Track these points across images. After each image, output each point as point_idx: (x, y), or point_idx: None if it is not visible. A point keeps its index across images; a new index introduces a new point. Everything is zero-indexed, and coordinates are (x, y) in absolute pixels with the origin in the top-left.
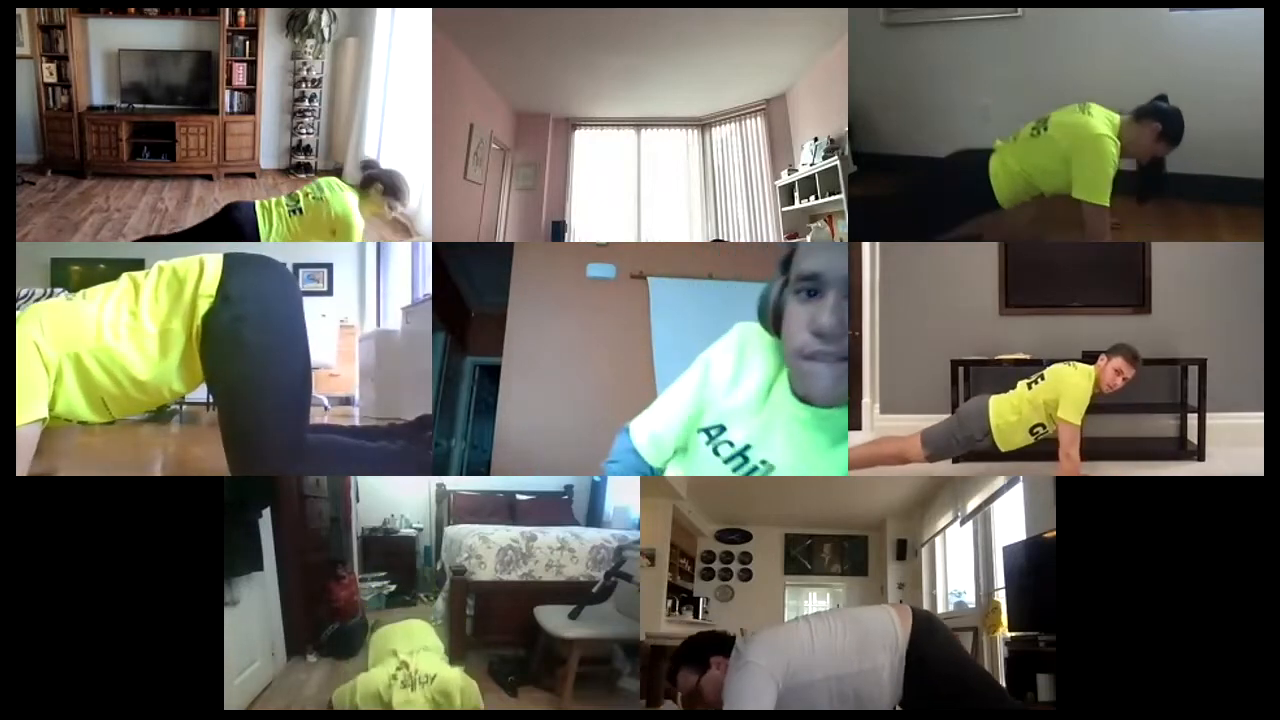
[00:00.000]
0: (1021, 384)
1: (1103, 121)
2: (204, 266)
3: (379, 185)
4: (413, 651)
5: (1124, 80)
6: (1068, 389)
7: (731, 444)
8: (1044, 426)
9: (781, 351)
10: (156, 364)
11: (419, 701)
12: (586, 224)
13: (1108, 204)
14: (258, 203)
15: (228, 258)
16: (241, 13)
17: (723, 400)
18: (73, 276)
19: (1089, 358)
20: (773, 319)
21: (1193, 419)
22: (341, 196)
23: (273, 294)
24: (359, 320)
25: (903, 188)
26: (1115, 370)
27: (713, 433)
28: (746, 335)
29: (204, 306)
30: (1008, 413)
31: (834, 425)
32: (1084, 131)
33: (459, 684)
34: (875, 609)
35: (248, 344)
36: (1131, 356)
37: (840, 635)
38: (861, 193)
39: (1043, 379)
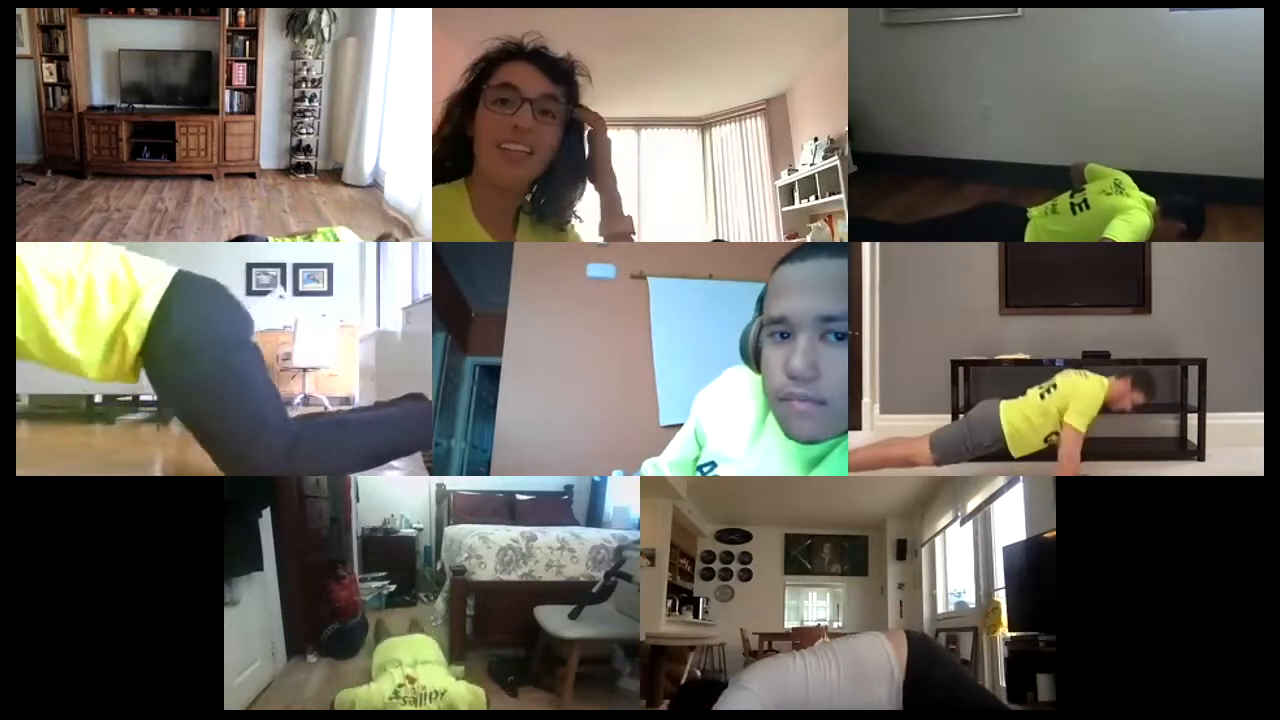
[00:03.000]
0: (1033, 391)
1: (1139, 199)
2: (148, 287)
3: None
4: (416, 663)
5: (1124, 81)
6: (1078, 397)
7: (719, 476)
8: (1058, 434)
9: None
10: (84, 351)
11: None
12: (587, 224)
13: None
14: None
15: (176, 278)
16: (241, 13)
17: (712, 442)
18: None
19: (1089, 357)
20: (754, 358)
21: (1193, 419)
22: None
23: (215, 320)
24: (359, 320)
25: (925, 232)
26: (1132, 401)
27: (704, 469)
28: (734, 380)
29: (141, 327)
30: (1019, 420)
31: (826, 461)
32: (1122, 208)
33: (467, 699)
34: (870, 639)
35: (187, 372)
36: (1150, 391)
37: (835, 672)
38: (870, 211)
39: (1055, 388)
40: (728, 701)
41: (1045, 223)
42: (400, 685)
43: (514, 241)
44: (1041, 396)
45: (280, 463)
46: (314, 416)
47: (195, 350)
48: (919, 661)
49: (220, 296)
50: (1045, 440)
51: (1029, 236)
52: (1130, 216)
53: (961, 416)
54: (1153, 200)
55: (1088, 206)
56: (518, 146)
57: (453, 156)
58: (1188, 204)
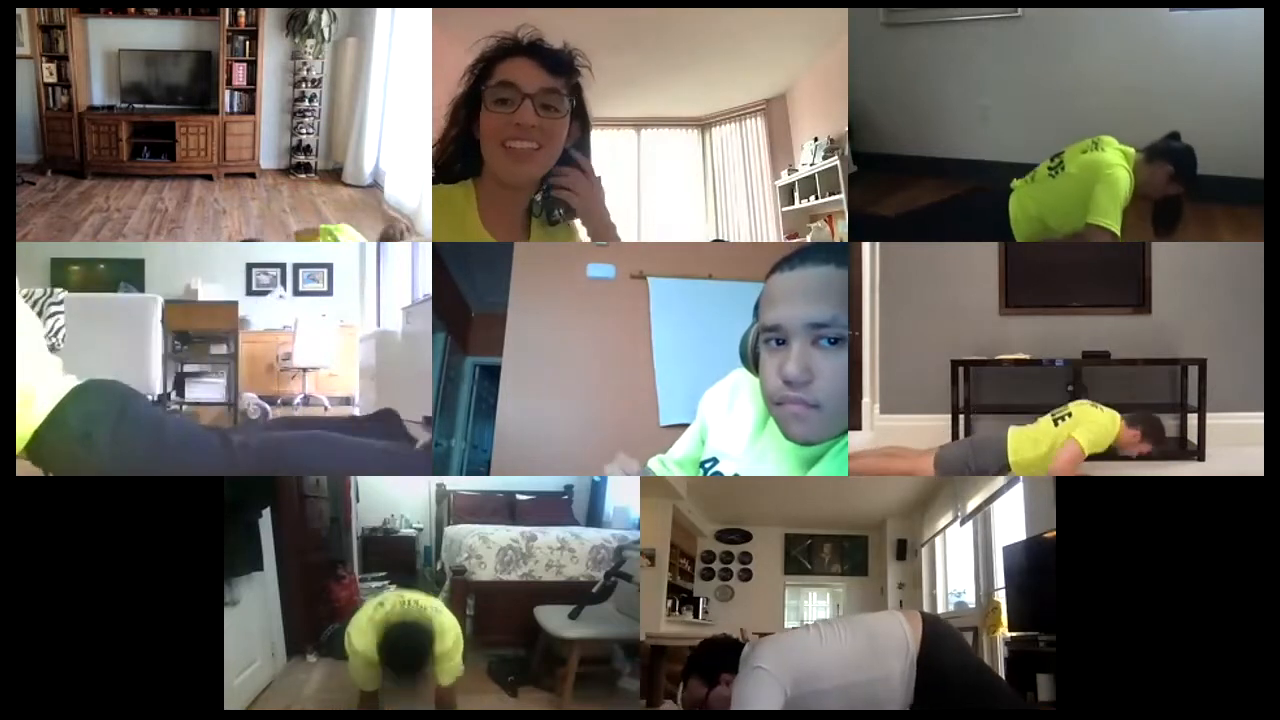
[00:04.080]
0: (1045, 419)
1: (1116, 154)
2: (32, 400)
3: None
4: (409, 594)
5: (1124, 80)
6: (1090, 425)
7: (721, 473)
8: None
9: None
10: None
11: (411, 614)
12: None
13: (1118, 231)
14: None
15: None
16: (241, 13)
17: (714, 439)
18: (72, 276)
19: (1089, 357)
20: (752, 362)
21: (1193, 419)
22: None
23: (113, 413)
24: (359, 320)
25: (915, 221)
26: (1139, 450)
27: (706, 465)
28: (739, 380)
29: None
30: (1027, 448)
31: (824, 461)
32: (1099, 167)
33: (455, 631)
34: (884, 615)
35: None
36: (1158, 440)
37: (850, 643)
38: (867, 208)
39: (1070, 415)
40: (745, 685)
41: (1027, 191)
42: (383, 600)
43: (517, 242)
44: (1055, 423)
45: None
46: (313, 426)
47: (94, 445)
48: (933, 639)
49: (113, 390)
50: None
51: (1012, 208)
52: (1110, 178)
53: (967, 438)
54: (1132, 150)
55: (1064, 168)
56: (524, 144)
57: (461, 159)
58: (1175, 146)
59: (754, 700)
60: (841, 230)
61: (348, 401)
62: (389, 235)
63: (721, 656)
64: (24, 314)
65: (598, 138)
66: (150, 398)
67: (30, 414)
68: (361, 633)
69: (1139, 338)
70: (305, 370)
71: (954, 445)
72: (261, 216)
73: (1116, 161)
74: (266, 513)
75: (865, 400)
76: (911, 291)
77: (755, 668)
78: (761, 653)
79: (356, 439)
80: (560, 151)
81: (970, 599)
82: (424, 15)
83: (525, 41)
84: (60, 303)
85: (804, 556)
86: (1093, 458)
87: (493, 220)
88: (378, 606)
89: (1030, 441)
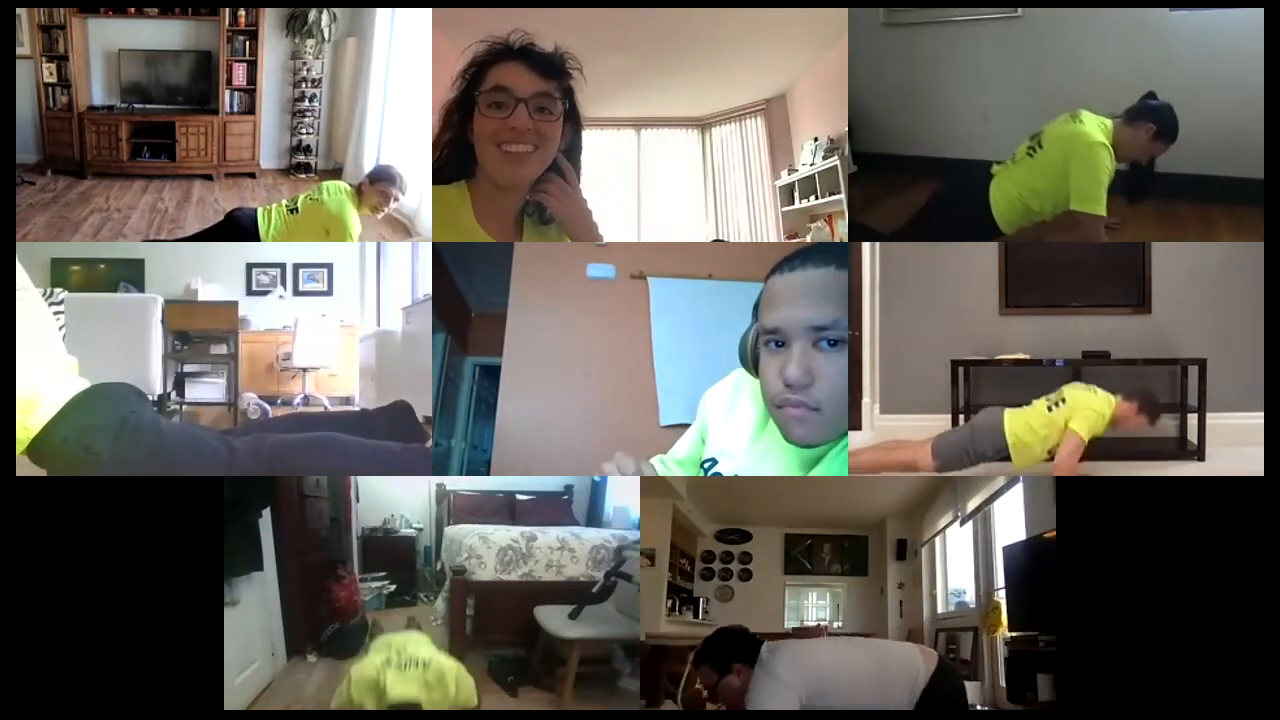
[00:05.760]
0: (1040, 403)
1: (1096, 129)
2: (37, 405)
3: (370, 177)
4: (406, 644)
5: (1124, 80)
6: (1084, 409)
7: (720, 474)
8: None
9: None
10: None
11: (413, 683)
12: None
13: (1104, 213)
14: (260, 208)
15: (77, 397)
16: (241, 13)
17: (715, 439)
18: (73, 276)
19: (1089, 357)
20: (752, 363)
21: (1193, 419)
22: (340, 198)
23: (113, 425)
24: (359, 320)
25: (910, 218)
26: (1137, 424)
27: (706, 465)
28: (740, 380)
29: (28, 434)
30: (1024, 432)
31: (825, 462)
32: (1078, 141)
33: (454, 671)
34: (904, 646)
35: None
36: (1155, 415)
37: (865, 667)
38: (863, 207)
39: (1063, 401)
40: (760, 691)
41: (1007, 175)
42: (391, 654)
43: (514, 242)
44: (1049, 409)
45: (224, 467)
46: (320, 423)
47: (94, 449)
48: (941, 682)
49: (93, 404)
50: (1049, 453)
51: (993, 193)
52: (1090, 157)
53: (964, 423)
54: (1108, 121)
55: (1041, 146)
56: (519, 147)
57: (455, 161)
58: (1154, 104)
59: (771, 706)
60: (841, 230)
61: (348, 401)
62: (377, 173)
63: (736, 646)
64: (40, 312)
65: (598, 138)
66: (150, 398)
67: (34, 419)
68: (362, 688)
69: (1139, 338)
70: (305, 370)
71: (952, 431)
72: None
73: (1095, 136)
74: (266, 513)
75: (865, 400)
76: (911, 291)
77: (774, 675)
78: (780, 660)
79: (364, 441)
80: (554, 152)
81: (970, 599)
82: (424, 15)
83: (516, 46)
84: (60, 303)
85: (804, 556)
86: (1095, 442)
87: (487, 221)
88: (385, 665)
89: (1026, 426)
